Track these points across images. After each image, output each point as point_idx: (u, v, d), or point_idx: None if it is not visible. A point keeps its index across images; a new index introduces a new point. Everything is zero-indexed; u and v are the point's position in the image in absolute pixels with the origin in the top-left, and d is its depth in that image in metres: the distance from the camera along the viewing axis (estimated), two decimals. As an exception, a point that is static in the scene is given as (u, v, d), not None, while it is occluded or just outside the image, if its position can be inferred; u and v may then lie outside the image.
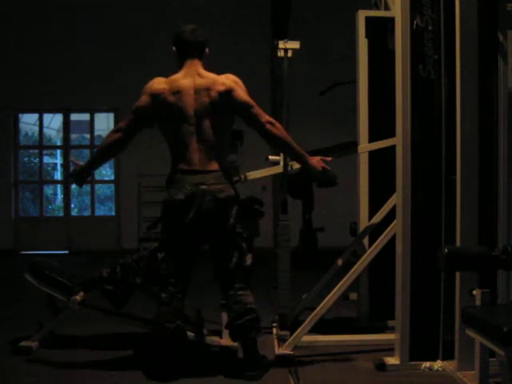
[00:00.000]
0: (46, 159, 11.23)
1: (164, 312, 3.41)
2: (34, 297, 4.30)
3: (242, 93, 3.40)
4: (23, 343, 3.85)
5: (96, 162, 3.68)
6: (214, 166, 3.41)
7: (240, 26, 9.24)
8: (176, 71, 3.49)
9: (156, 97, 3.42)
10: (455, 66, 3.35)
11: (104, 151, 3.57)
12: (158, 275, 3.45)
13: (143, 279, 3.86)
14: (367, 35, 4.43)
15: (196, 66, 3.47)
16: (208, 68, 3.49)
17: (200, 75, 3.43)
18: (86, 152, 10.47)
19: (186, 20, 3.63)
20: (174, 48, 3.54)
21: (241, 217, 3.43)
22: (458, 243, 3.31)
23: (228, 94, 3.38)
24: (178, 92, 3.39)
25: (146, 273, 3.84)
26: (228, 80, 3.41)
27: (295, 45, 3.89)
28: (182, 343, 3.52)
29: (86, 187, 10.57)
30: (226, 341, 3.80)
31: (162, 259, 3.42)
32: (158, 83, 3.47)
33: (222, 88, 3.38)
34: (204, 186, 3.34)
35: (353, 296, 4.80)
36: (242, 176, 3.80)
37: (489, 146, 3.45)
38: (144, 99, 3.47)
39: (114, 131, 3.55)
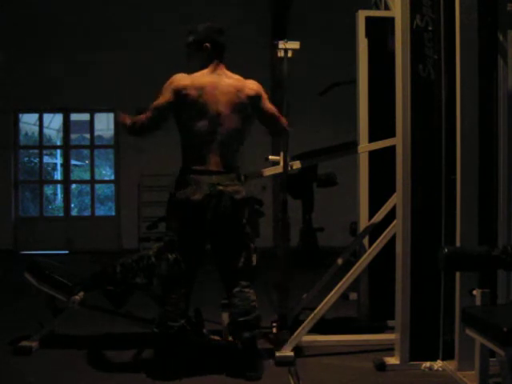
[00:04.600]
0: (46, 159, 11.22)
1: (170, 312, 3.41)
2: (33, 297, 4.30)
3: (267, 100, 3.51)
4: (23, 343, 3.86)
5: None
6: (229, 167, 3.43)
7: (240, 26, 9.23)
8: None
9: (179, 92, 3.35)
10: (455, 66, 3.35)
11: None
12: (167, 276, 3.42)
13: (147, 279, 3.86)
14: (367, 35, 4.43)
15: (222, 67, 3.48)
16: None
17: (227, 76, 3.45)
18: (86, 152, 10.47)
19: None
20: (207, 45, 3.44)
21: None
22: (457, 243, 3.32)
23: (257, 99, 3.47)
24: (201, 88, 3.36)
25: (150, 273, 3.84)
26: (256, 85, 3.49)
27: (295, 45, 3.89)
28: (183, 343, 3.53)
29: (86, 187, 10.59)
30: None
31: (174, 260, 3.39)
32: (181, 79, 3.39)
33: (251, 92, 3.45)
34: (221, 187, 3.34)
35: (353, 296, 4.80)
36: (242, 176, 3.80)
37: (489, 146, 3.46)
38: (166, 97, 3.37)
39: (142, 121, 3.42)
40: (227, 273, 3.47)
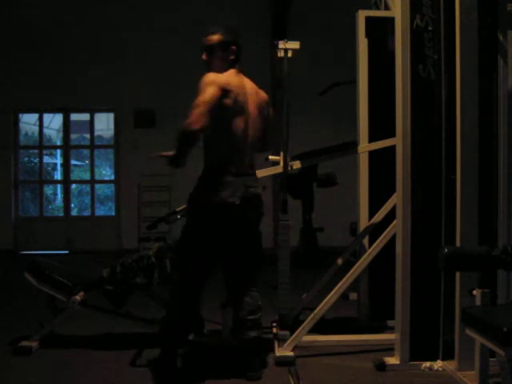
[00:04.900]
0: (46, 159, 11.22)
1: (185, 315, 3.39)
2: (33, 297, 4.31)
3: None
4: (23, 343, 3.85)
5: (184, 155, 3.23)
6: (254, 167, 3.45)
7: (240, 26, 9.24)
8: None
9: (223, 89, 3.20)
10: (455, 66, 3.35)
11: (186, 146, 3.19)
12: (191, 280, 3.35)
13: (147, 279, 3.86)
14: (367, 35, 4.43)
15: (239, 72, 3.43)
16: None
17: (246, 79, 3.44)
18: (86, 152, 10.47)
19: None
20: (234, 47, 3.38)
21: None
22: (457, 243, 3.32)
23: (268, 104, 3.54)
24: (237, 88, 3.30)
25: (150, 273, 3.84)
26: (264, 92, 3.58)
27: (295, 45, 3.89)
28: (186, 343, 3.52)
29: (86, 187, 10.60)
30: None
31: (209, 265, 3.34)
32: (221, 76, 3.25)
33: (265, 97, 3.54)
34: (252, 189, 3.34)
35: (353, 296, 4.81)
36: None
37: (489, 146, 3.46)
38: (213, 92, 3.14)
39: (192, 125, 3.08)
40: (241, 272, 3.45)
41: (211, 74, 3.24)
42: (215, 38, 3.38)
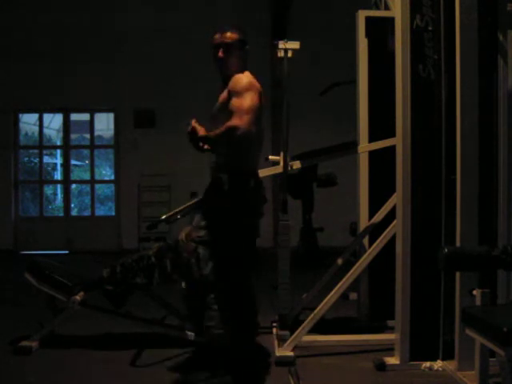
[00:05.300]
0: (46, 159, 11.21)
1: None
2: (34, 297, 4.31)
3: None
4: (23, 343, 3.86)
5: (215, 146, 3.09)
6: None
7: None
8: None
9: (260, 94, 3.15)
10: (455, 66, 3.35)
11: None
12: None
13: (147, 279, 3.86)
14: (367, 35, 4.43)
15: None
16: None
17: None
18: (86, 152, 10.47)
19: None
20: (247, 47, 3.30)
21: None
22: (457, 243, 3.32)
23: None
24: (261, 89, 3.22)
25: (150, 273, 3.84)
26: None
27: (295, 45, 3.90)
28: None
29: (86, 187, 10.60)
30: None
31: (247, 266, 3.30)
32: (253, 79, 3.18)
33: None
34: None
35: (353, 296, 4.81)
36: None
37: (489, 146, 3.46)
38: (257, 98, 3.09)
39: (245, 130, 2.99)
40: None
41: (244, 76, 3.15)
42: (234, 36, 3.25)
